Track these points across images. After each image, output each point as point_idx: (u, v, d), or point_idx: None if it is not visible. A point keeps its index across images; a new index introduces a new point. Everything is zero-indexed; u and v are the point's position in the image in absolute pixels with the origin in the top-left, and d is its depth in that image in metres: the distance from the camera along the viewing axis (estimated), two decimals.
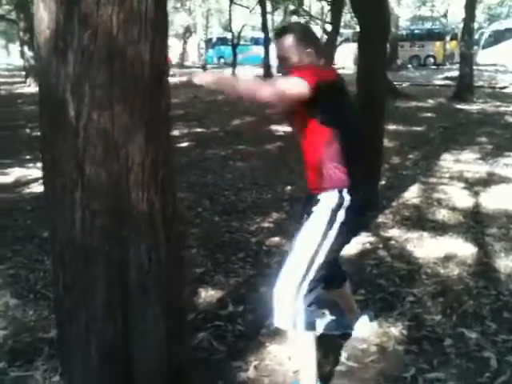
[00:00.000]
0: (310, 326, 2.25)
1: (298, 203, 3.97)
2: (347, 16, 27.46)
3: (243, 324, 2.89)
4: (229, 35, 22.25)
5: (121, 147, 1.74)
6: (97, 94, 1.68)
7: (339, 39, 22.07)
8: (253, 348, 2.67)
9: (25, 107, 12.93)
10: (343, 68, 21.10)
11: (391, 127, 9.67)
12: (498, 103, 13.50)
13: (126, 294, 1.85)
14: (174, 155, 1.98)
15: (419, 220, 4.65)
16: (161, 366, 1.98)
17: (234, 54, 19.98)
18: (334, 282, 2.62)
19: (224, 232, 4.35)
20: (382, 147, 5.15)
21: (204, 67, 23.94)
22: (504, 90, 16.88)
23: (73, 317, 1.87)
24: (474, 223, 4.54)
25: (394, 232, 4.33)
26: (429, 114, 11.72)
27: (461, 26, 18.10)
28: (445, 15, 32.75)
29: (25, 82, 19.14)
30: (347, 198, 2.20)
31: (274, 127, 9.33)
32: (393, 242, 4.12)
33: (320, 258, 2.21)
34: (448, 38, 29.10)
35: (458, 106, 12.95)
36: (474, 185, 5.79)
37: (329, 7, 18.83)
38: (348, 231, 2.29)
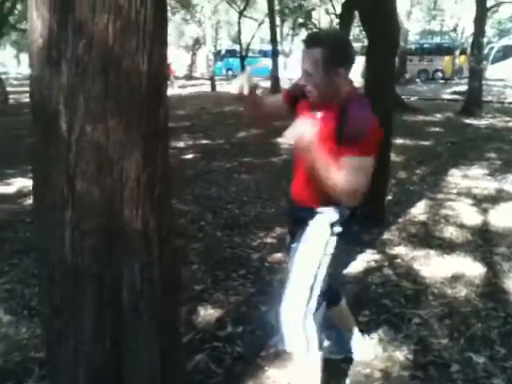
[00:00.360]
0: (320, 347, 2.18)
1: None
2: (356, 30, 27.51)
3: (242, 346, 2.79)
4: (237, 47, 22.27)
5: (115, 162, 1.66)
6: (91, 106, 1.60)
7: None
8: (251, 372, 2.57)
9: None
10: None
11: (398, 141, 9.59)
12: (506, 118, 13.40)
13: (117, 315, 1.77)
14: (171, 170, 1.90)
15: (426, 237, 4.55)
16: None
17: (242, 66, 20.00)
18: (332, 298, 2.54)
19: (225, 247, 4.26)
20: (389, 161, 5.07)
21: (212, 79, 23.96)
22: None
23: (62, 338, 1.78)
24: (482, 241, 4.43)
25: (400, 249, 4.23)
26: (437, 129, 11.62)
27: (470, 40, 18.08)
28: (454, 29, 32.74)
29: None
30: (343, 213, 2.12)
31: (279, 140, 9.26)
32: (399, 260, 4.02)
33: (322, 273, 2.13)
34: (457, 52, 29.08)
35: (467, 121, 12.85)
36: (483, 201, 5.68)
37: (337, 20, 18.82)
38: (348, 245, 2.23)
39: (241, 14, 20.58)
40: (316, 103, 2.10)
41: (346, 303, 2.67)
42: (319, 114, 2.08)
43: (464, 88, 17.00)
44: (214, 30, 31.39)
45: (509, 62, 26.41)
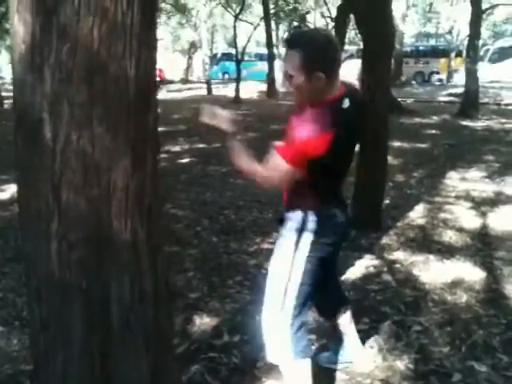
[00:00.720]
0: (301, 354, 2.11)
1: None
2: (352, 33, 27.51)
3: (239, 356, 2.72)
4: (234, 51, 22.24)
5: (102, 171, 1.59)
6: (76, 113, 1.53)
7: (344, 55, 22.12)
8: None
9: None
10: None
11: (395, 144, 9.54)
12: (503, 120, 13.38)
13: (106, 330, 1.69)
14: (161, 178, 1.83)
15: (425, 242, 4.49)
16: None
17: (238, 70, 19.93)
18: (329, 310, 2.48)
19: (221, 253, 4.19)
20: (386, 165, 5.00)
21: (208, 82, 23.91)
22: (509, 107, 16.76)
23: (49, 355, 1.71)
24: (482, 245, 4.37)
25: (398, 255, 4.16)
26: (433, 131, 11.59)
27: (466, 42, 18.07)
28: (450, 32, 32.74)
29: None
30: (312, 219, 2.06)
31: (276, 143, 9.18)
32: (398, 265, 3.96)
33: (295, 281, 2.08)
34: (453, 54, 29.12)
35: (463, 123, 12.83)
36: (481, 204, 5.63)
37: (333, 24, 18.79)
38: (326, 252, 2.14)
39: (236, 17, 20.51)
40: (299, 107, 2.03)
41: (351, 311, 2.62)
42: (295, 120, 1.99)
43: (460, 90, 16.97)
44: (210, 34, 31.31)
45: (504, 63, 26.43)
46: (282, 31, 29.75)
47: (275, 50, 24.13)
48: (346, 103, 2.00)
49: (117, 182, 1.62)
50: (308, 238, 2.06)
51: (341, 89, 2.04)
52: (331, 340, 2.72)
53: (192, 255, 4.16)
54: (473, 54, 14.33)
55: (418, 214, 5.30)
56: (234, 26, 20.80)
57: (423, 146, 9.76)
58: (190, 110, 16.26)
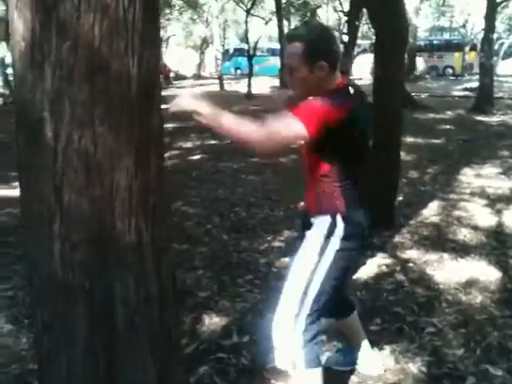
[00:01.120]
0: (312, 363, 2.05)
1: None
2: (365, 27, 27.29)
3: (248, 357, 2.68)
4: (246, 46, 22.14)
5: (105, 171, 1.55)
6: (77, 112, 1.49)
7: (357, 50, 21.96)
8: None
9: None
10: (360, 79, 20.92)
11: (409, 139, 9.42)
12: None
13: (111, 332, 1.66)
14: (165, 178, 1.79)
15: (439, 240, 4.41)
16: None
17: (250, 65, 19.83)
18: (338, 311, 2.42)
19: (232, 251, 4.15)
20: (399, 161, 4.91)
21: (220, 78, 23.86)
22: None
23: (53, 357, 1.68)
24: (497, 244, 4.28)
25: (412, 253, 4.09)
26: (448, 126, 11.45)
27: (480, 36, 17.84)
28: (464, 26, 32.40)
29: None
30: (340, 225, 2.01)
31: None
32: (411, 264, 3.88)
33: (315, 288, 2.02)
34: (467, 48, 28.80)
35: (478, 118, 12.65)
36: (497, 201, 5.52)
37: (346, 18, 18.65)
38: (350, 258, 2.11)
39: (248, 12, 20.42)
40: (301, 99, 1.98)
41: (357, 312, 2.56)
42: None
43: (475, 84, 16.75)
44: (222, 30, 31.25)
45: None
46: (294, 26, 29.57)
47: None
48: (351, 91, 2.02)
49: (120, 182, 1.58)
50: (335, 244, 2.00)
51: (342, 79, 2.05)
52: (340, 341, 2.66)
53: (202, 253, 4.12)
54: (487, 47, 14.12)
55: (431, 212, 5.21)
56: (246, 21, 20.71)
57: (437, 141, 9.63)
58: None
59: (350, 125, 1.90)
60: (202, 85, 27.34)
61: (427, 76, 27.82)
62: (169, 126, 12.12)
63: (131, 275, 1.65)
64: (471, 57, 28.37)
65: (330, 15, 31.35)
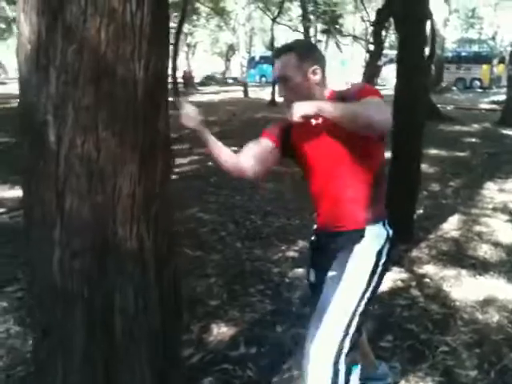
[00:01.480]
0: None
1: None
2: (392, 37, 27.13)
3: (254, 369, 2.62)
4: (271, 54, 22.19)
5: (107, 177, 1.53)
6: (81, 117, 1.48)
7: (384, 60, 21.80)
8: None
9: None
10: (384, 86, 20.82)
11: (433, 152, 9.30)
12: None
13: (109, 341, 1.63)
14: (170, 185, 1.76)
15: (458, 255, 4.29)
16: None
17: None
18: None
19: (245, 260, 4.10)
20: (418, 173, 4.80)
21: (245, 85, 23.91)
22: None
23: (49, 365, 1.66)
24: None
25: (429, 268, 3.99)
26: (473, 139, 11.25)
27: (509, 49, 17.56)
28: (493, 38, 31.99)
29: None
30: (390, 231, 1.94)
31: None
32: (427, 279, 3.79)
33: (362, 307, 1.86)
34: (495, 61, 28.42)
35: (504, 132, 12.40)
36: None
37: (372, 28, 18.53)
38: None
39: (274, 20, 20.47)
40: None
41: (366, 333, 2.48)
42: (314, 120, 1.91)
43: (502, 97, 16.49)
44: (248, 37, 31.38)
45: None
46: (320, 34, 29.51)
47: None
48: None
49: (122, 189, 1.56)
50: (384, 260, 1.90)
51: (331, 91, 2.01)
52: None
53: (214, 261, 4.08)
54: None
55: (451, 226, 5.10)
56: (272, 29, 20.74)
57: (461, 154, 9.47)
58: (226, 112, 16.31)
59: None
60: (226, 91, 27.46)
61: (454, 88, 27.51)
62: (189, 131, 12.22)
63: (131, 284, 1.63)
64: (499, 70, 27.96)
65: (356, 25, 31.29)
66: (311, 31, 23.79)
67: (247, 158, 2.07)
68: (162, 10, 1.59)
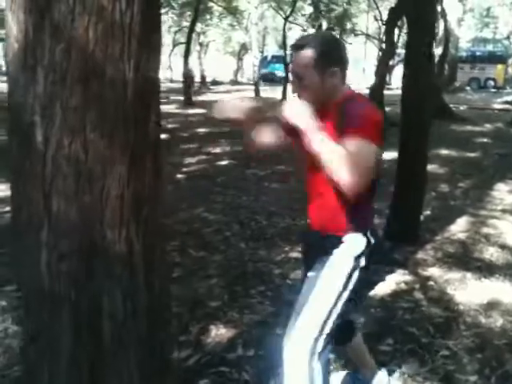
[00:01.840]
0: None
1: None
2: (405, 36, 26.94)
3: (250, 372, 2.60)
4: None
5: (95, 178, 1.51)
6: (69, 117, 1.46)
7: (397, 59, 21.64)
8: None
9: None
10: (398, 88, 20.65)
11: (443, 152, 9.23)
12: None
13: (97, 346, 1.61)
14: (162, 188, 1.74)
15: (464, 258, 4.24)
16: None
17: (286, 72, 19.79)
18: (342, 335, 2.32)
19: (247, 261, 4.08)
20: (425, 173, 4.74)
21: (256, 84, 23.86)
22: None
23: (37, 369, 1.65)
24: None
25: (433, 271, 3.95)
26: (485, 140, 11.15)
27: None
28: (508, 37, 31.64)
29: None
30: (372, 240, 1.93)
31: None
32: (431, 282, 3.75)
33: (338, 309, 1.91)
34: (511, 60, 28.15)
35: None
36: None
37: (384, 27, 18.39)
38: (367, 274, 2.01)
39: (286, 19, 20.40)
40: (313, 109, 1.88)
41: (361, 334, 2.45)
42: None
43: None
44: (261, 36, 31.34)
45: None
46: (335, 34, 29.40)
47: None
48: None
49: (111, 190, 1.54)
50: (362, 265, 1.91)
51: (350, 91, 1.95)
52: (347, 362, 2.56)
53: (217, 261, 4.07)
54: None
55: (459, 228, 5.04)
56: (284, 28, 20.67)
57: (472, 155, 9.38)
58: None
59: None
60: (238, 90, 27.44)
61: (468, 88, 27.28)
62: (200, 130, 12.21)
63: (119, 287, 1.60)
64: None
65: (370, 24, 31.11)
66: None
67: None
68: (153, 8, 1.57)
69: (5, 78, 1.69)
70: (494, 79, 28.57)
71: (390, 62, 19.16)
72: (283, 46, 21.27)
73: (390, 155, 5.48)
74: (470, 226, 5.12)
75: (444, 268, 4.01)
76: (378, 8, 21.48)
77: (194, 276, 3.76)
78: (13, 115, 1.53)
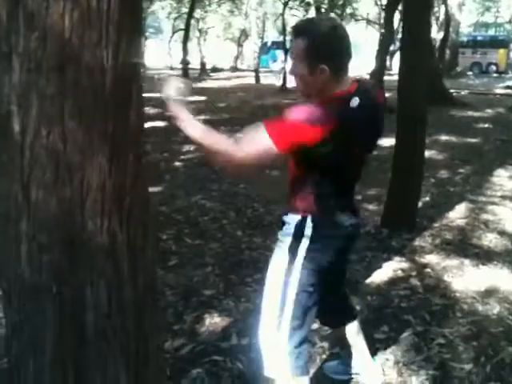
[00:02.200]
0: (298, 371, 1.95)
1: None
2: None
3: (244, 361, 2.59)
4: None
5: (75, 169, 1.47)
6: (46, 106, 1.42)
7: (398, 44, 21.47)
8: None
9: None
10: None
11: (443, 138, 9.17)
12: None
13: (81, 340, 1.58)
14: (146, 177, 1.71)
15: (462, 245, 4.22)
16: None
17: (286, 59, 19.66)
18: (333, 318, 2.31)
19: (244, 249, 4.06)
20: (422, 159, 4.69)
21: (256, 71, 23.74)
22: None
23: (20, 363, 1.62)
24: None
25: (431, 258, 3.92)
26: (486, 125, 11.05)
27: None
28: (510, 21, 31.35)
29: None
30: (309, 224, 1.88)
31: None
32: (428, 269, 3.72)
33: (291, 292, 1.90)
34: None
35: None
36: None
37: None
38: (329, 261, 1.96)
39: (285, 5, 20.22)
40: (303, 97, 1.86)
41: (359, 321, 2.43)
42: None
43: None
44: (261, 22, 31.07)
45: None
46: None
47: None
48: (355, 102, 1.80)
49: (91, 181, 1.50)
50: (304, 244, 1.89)
51: (351, 86, 1.86)
52: (341, 349, 2.55)
53: (213, 249, 4.05)
54: None
55: (457, 214, 5.00)
56: (283, 14, 20.50)
57: (473, 140, 9.30)
58: (236, 98, 16.21)
59: (337, 141, 1.73)
60: (238, 77, 27.32)
61: (469, 73, 27.09)
62: (199, 117, 12.14)
63: (103, 279, 1.58)
64: None
65: (370, 9, 30.87)
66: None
67: None
68: None
69: None
70: (496, 64, 28.34)
71: (391, 47, 19.05)
72: (283, 31, 21.10)
73: (389, 142, 5.43)
74: (469, 213, 5.08)
75: (441, 255, 3.98)
76: None
77: (190, 264, 3.75)
78: None
